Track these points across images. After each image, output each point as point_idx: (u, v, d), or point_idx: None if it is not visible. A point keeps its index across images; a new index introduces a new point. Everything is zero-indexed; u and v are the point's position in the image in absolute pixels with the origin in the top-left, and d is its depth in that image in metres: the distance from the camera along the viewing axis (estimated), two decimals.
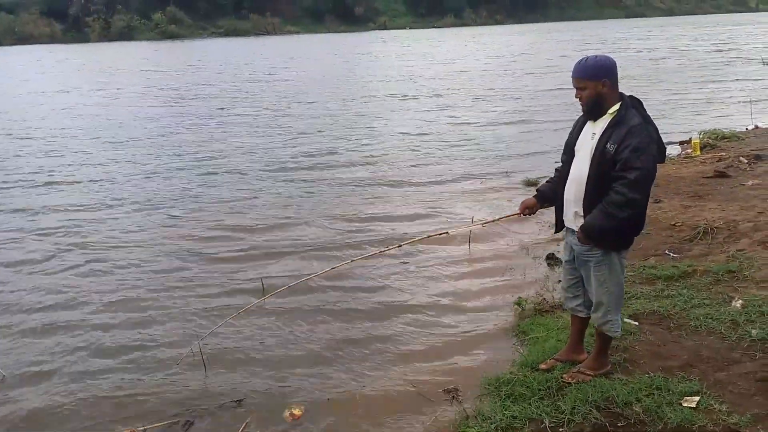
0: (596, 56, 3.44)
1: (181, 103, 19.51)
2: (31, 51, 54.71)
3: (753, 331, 4.07)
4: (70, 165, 11.28)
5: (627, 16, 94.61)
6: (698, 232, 6.09)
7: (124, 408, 4.03)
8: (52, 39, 70.99)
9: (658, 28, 58.03)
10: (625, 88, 3.42)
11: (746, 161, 8.75)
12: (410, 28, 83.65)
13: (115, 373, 4.43)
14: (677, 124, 12.88)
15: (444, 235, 5.06)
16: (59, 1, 74.42)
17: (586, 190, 3.43)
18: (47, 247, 7.03)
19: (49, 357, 4.70)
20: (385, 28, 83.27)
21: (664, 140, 3.47)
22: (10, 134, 14.74)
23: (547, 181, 3.90)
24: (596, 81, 3.36)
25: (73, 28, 74.06)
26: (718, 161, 9.01)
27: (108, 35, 72.26)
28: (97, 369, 4.51)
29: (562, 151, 3.73)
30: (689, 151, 10.08)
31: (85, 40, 71.31)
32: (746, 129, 11.72)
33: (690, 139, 10.54)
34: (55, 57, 46.07)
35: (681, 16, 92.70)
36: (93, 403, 4.10)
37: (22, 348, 4.85)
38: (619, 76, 3.42)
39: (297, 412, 3.81)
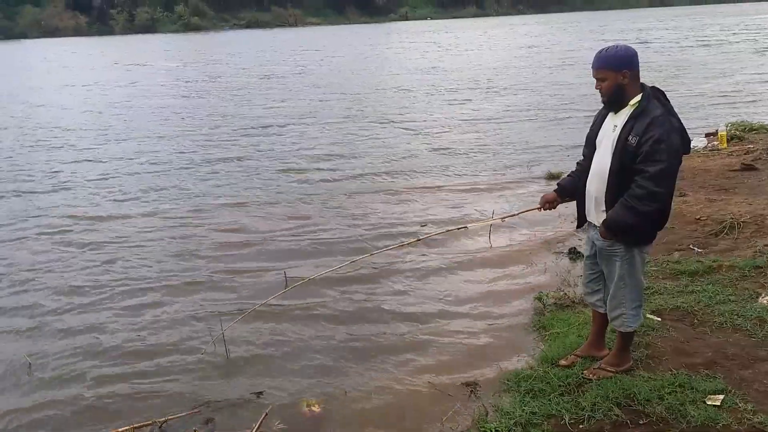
0: (617, 46, 3.36)
1: (191, 99, 19.45)
2: (51, 44, 55.27)
3: None
4: (76, 162, 11.24)
5: (652, 5, 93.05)
6: (724, 227, 5.97)
7: (144, 398, 4.08)
8: (77, 32, 72.06)
9: (684, 17, 56.94)
10: (650, 79, 3.34)
11: None
12: (431, 18, 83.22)
13: (136, 364, 4.49)
14: (704, 116, 12.65)
15: (463, 229, 5.01)
16: None
17: (608, 184, 3.37)
18: (62, 246, 7.04)
19: (72, 348, 4.78)
20: (407, 18, 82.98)
21: (690, 132, 3.39)
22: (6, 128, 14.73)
23: (568, 175, 3.84)
24: (617, 72, 3.29)
25: (97, 21, 75.08)
26: (745, 154, 8.82)
27: (132, 27, 73.18)
28: (118, 360, 4.57)
29: (583, 144, 3.67)
30: (716, 143, 9.87)
31: (110, 32, 72.23)
32: None
33: (717, 130, 10.31)
34: (70, 50, 46.47)
35: (709, 5, 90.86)
36: (114, 393, 4.16)
37: (47, 339, 4.94)
38: (642, 66, 3.34)
39: (315, 408, 3.81)
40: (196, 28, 72.88)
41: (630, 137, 3.23)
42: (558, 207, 3.87)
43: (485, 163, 10.06)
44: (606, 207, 3.41)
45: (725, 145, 9.61)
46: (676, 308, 4.46)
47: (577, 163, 3.75)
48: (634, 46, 3.42)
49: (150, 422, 3.76)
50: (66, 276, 6.19)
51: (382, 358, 4.43)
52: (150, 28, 72.76)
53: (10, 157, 12.00)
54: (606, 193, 3.39)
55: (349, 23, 77.62)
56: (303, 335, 4.80)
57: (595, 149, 3.51)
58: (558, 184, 3.85)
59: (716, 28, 41.32)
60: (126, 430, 3.71)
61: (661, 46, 29.40)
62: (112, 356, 4.64)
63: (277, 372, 4.30)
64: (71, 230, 7.57)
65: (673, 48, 28.70)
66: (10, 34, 68.51)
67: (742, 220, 6.05)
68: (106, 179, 10.00)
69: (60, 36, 68.70)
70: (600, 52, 3.37)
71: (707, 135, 10.78)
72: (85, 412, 4.01)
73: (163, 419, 3.77)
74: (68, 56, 41.08)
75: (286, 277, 5.56)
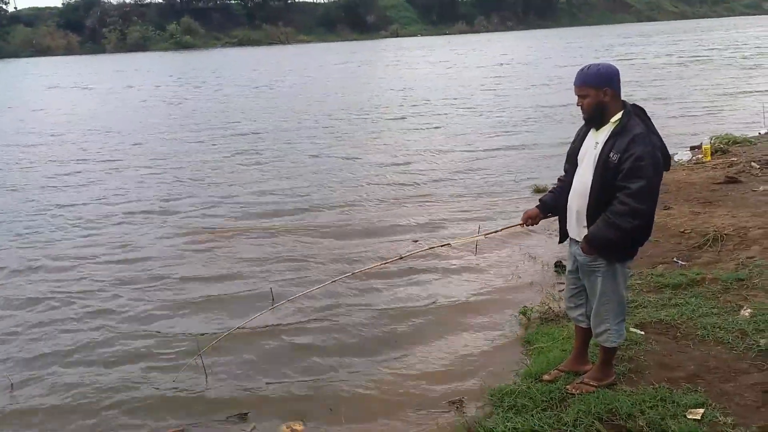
0: (598, 64, 3.40)
1: (160, 119, 18.50)
2: (36, 63, 54.67)
3: (761, 341, 4.01)
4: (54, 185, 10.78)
5: (638, 21, 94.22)
6: (708, 239, 6.02)
7: (124, 416, 4.07)
8: (68, 51, 71.97)
9: (669, 33, 57.61)
10: (635, 91, 3.38)
11: (758, 166, 8.65)
12: (421, 35, 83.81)
13: (116, 383, 4.47)
14: (688, 129, 12.74)
15: (447, 246, 5.03)
16: (76, 13, 75.65)
17: (589, 200, 3.39)
18: (45, 260, 7.01)
19: (53, 365, 4.76)
20: (397, 35, 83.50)
21: (676, 145, 3.46)
22: None
23: (550, 191, 3.86)
24: (598, 89, 3.32)
25: (89, 40, 75.09)
26: (729, 166, 8.91)
27: (124, 46, 73.18)
28: (99, 377, 4.55)
29: (565, 160, 3.70)
30: (700, 156, 9.97)
31: (101, 51, 72.22)
32: (758, 134, 11.59)
33: (701, 143, 10.43)
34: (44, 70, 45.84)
35: (693, 20, 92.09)
36: (95, 411, 4.15)
37: (28, 357, 4.91)
38: (626, 81, 3.37)
39: (298, 427, 3.79)
40: (188, 46, 72.98)
41: (611, 154, 3.26)
42: (540, 222, 3.90)
43: (469, 179, 10.01)
44: (587, 223, 3.43)
45: (709, 158, 9.71)
46: (660, 321, 4.48)
47: (559, 178, 3.77)
48: (616, 62, 3.45)
49: None
50: (46, 287, 6.20)
51: (365, 375, 4.42)
52: (141, 46, 72.84)
53: None
54: (587, 208, 3.41)
55: (340, 41, 77.94)
56: (284, 353, 4.77)
57: (576, 165, 3.54)
58: (540, 200, 3.87)
59: (700, 43, 41.80)
60: None
61: (644, 61, 29.68)
62: (91, 372, 4.61)
63: (259, 390, 4.28)
64: (53, 241, 7.55)
65: (657, 62, 29.01)
66: (2, 54, 68.53)
67: (725, 232, 6.10)
68: (71, 205, 9.39)
69: (51, 55, 68.62)
70: (582, 69, 3.41)
71: (691, 148, 10.90)
72: (64, 428, 4.00)
73: None
74: (35, 77, 40.35)
75: (272, 295, 5.53)
